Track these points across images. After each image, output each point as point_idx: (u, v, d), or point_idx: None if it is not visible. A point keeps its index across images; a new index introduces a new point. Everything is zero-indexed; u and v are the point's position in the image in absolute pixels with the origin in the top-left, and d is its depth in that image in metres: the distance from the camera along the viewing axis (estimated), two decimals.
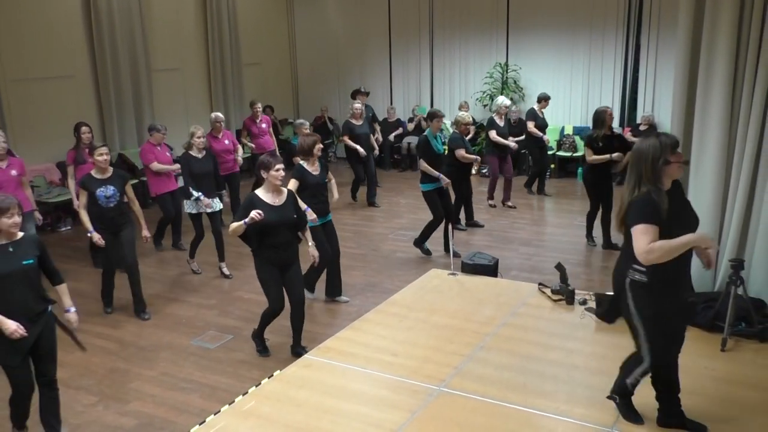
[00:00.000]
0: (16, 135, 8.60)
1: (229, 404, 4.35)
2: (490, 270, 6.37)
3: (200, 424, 4.13)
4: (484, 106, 11.83)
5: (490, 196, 9.50)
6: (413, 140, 11.18)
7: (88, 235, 5.88)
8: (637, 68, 11.13)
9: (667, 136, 3.49)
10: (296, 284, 5.11)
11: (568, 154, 11.39)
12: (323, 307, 6.17)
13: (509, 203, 9.47)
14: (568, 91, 11.70)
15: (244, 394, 4.45)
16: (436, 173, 7.17)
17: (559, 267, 5.87)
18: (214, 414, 4.24)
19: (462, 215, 8.43)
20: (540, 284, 6.02)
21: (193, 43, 11.55)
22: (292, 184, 5.66)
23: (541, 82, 11.85)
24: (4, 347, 3.80)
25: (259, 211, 4.69)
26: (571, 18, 11.37)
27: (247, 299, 6.40)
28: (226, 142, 8.33)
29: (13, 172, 6.35)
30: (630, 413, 3.92)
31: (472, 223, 8.56)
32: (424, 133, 7.44)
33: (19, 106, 8.69)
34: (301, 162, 5.88)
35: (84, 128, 7.36)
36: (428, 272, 6.58)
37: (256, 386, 4.56)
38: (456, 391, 4.31)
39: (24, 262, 3.83)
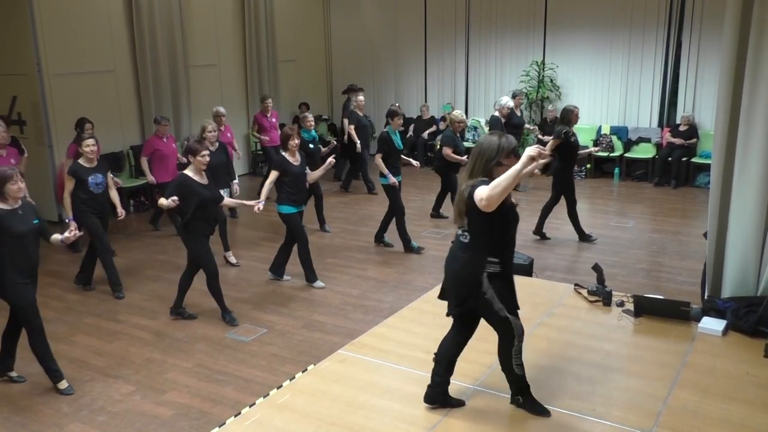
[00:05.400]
0: (58, 128, 8.80)
1: (264, 397, 4.38)
2: (526, 269, 6.30)
3: (235, 416, 4.17)
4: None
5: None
6: None
7: (66, 221, 6.22)
8: (678, 67, 10.89)
9: (508, 139, 3.67)
10: (211, 255, 5.80)
11: (605, 154, 11.21)
12: (356, 303, 6.18)
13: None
14: (606, 90, 11.50)
15: (278, 388, 4.49)
16: (386, 170, 7.38)
17: (596, 268, 5.78)
18: (249, 406, 4.28)
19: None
20: (576, 285, 5.93)
21: (231, 39, 11.66)
22: (272, 175, 6.30)
23: (578, 80, 11.72)
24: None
25: (175, 198, 5.41)
26: (610, 15, 11.18)
27: (281, 294, 6.44)
28: (228, 134, 8.99)
29: (12, 161, 6.92)
30: (537, 407, 3.99)
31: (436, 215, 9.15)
32: (385, 129, 7.69)
33: (62, 100, 8.87)
34: (283, 153, 6.42)
35: (87, 124, 7.86)
36: None
37: (291, 380, 4.59)
38: (490, 390, 4.28)
39: (34, 222, 4.55)
